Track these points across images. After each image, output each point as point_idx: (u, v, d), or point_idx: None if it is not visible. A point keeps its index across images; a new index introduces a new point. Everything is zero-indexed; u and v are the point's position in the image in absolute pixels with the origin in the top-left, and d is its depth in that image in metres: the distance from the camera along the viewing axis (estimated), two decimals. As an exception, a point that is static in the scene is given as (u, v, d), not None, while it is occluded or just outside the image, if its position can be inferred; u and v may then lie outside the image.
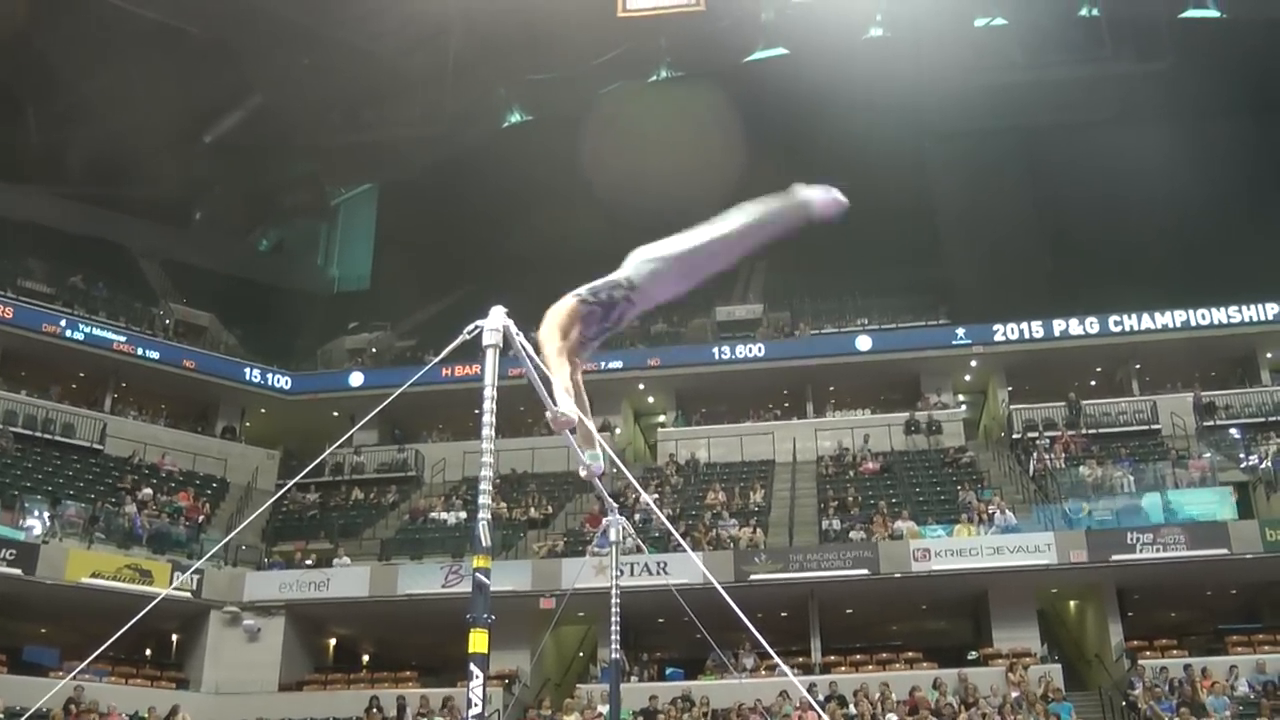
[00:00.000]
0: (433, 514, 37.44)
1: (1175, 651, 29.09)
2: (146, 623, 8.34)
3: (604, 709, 26.38)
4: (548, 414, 6.36)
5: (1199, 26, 46.29)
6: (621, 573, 11.61)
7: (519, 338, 5.91)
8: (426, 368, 8.69)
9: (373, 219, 58.67)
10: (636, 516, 31.95)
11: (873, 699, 26.82)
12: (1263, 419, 37.90)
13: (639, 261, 7.36)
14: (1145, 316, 41.11)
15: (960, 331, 42.58)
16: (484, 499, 5.48)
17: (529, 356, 6.20)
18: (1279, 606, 31.94)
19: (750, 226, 7.47)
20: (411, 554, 34.94)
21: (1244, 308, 40.58)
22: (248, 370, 43.95)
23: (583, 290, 7.10)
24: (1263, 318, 40.54)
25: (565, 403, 6.37)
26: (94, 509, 33.98)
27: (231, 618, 32.27)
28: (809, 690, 25.73)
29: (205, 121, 47.66)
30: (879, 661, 30.48)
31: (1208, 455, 34.78)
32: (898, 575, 29.92)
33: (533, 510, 37.14)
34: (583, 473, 7.28)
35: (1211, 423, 38.15)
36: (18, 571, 28.88)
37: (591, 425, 6.87)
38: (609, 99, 49.83)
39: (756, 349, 43.49)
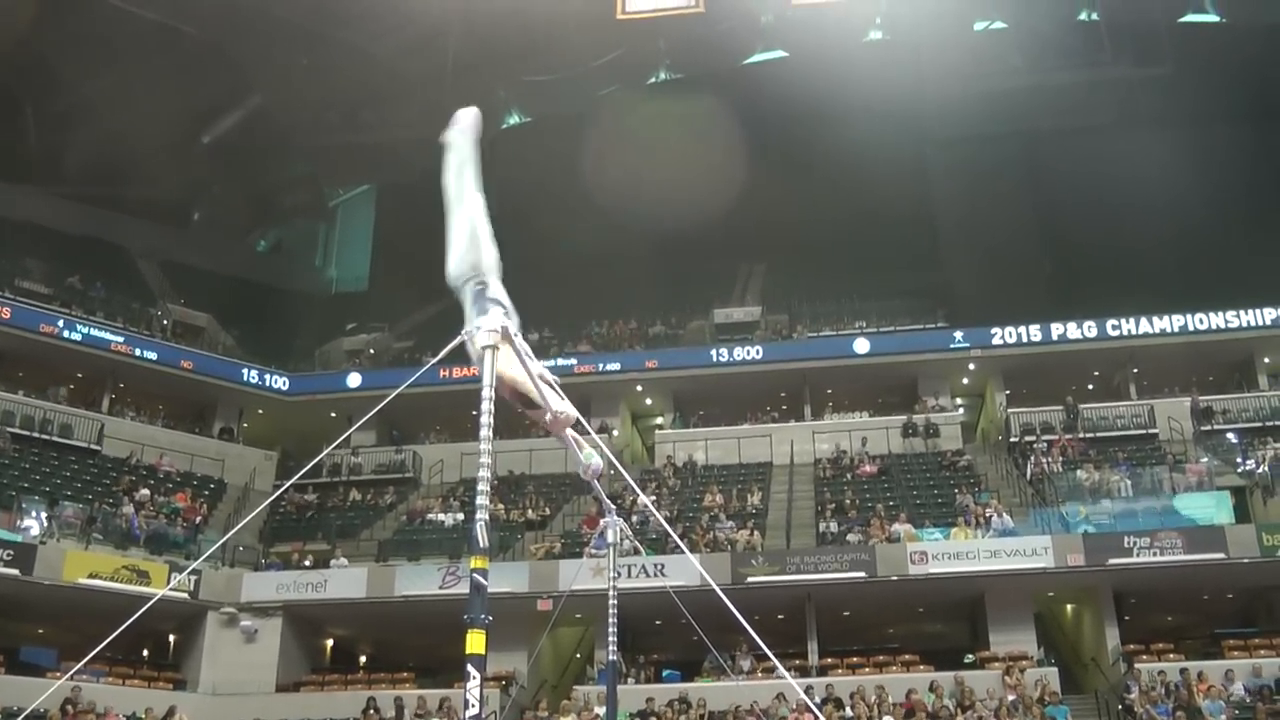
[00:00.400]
0: (430, 515, 37.45)
1: (1171, 655, 29.09)
2: (144, 623, 8.36)
3: (601, 710, 26.40)
4: (547, 416, 6.39)
5: (1198, 31, 46.38)
6: (619, 574, 11.63)
7: (517, 339, 5.92)
8: (424, 369, 8.67)
9: (371, 220, 58.63)
10: (634, 518, 31.98)
11: (869, 701, 26.82)
12: (1260, 424, 37.91)
13: (456, 268, 7.30)
14: (1143, 321, 41.13)
15: (958, 335, 42.57)
16: (482, 500, 5.49)
17: (522, 358, 6.20)
18: (1275, 611, 31.90)
19: (464, 161, 7.56)
20: (409, 555, 34.95)
21: (1241, 313, 40.57)
22: (245, 371, 43.94)
23: (476, 321, 6.98)
24: (1260, 323, 40.52)
25: (562, 403, 6.42)
26: (91, 509, 33.98)
27: (229, 618, 32.27)
28: (805, 692, 25.78)
29: (204, 122, 47.67)
30: (876, 664, 30.48)
31: (1205, 460, 34.84)
32: (895, 578, 29.93)
33: (530, 512, 37.16)
34: (583, 474, 7.31)
35: (1209, 427, 38.15)
36: (15, 572, 28.88)
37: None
38: (607, 101, 49.85)
39: (754, 351, 43.47)
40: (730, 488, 37.53)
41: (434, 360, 7.85)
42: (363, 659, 37.16)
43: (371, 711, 28.94)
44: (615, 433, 42.08)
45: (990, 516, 31.67)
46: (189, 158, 47.94)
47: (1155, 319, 41.08)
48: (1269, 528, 29.40)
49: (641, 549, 28.41)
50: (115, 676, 30.28)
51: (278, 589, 32.69)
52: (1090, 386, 43.48)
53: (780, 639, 30.45)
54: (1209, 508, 31.35)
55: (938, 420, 41.13)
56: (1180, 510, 31.35)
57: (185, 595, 31.04)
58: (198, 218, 53.62)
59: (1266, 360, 41.62)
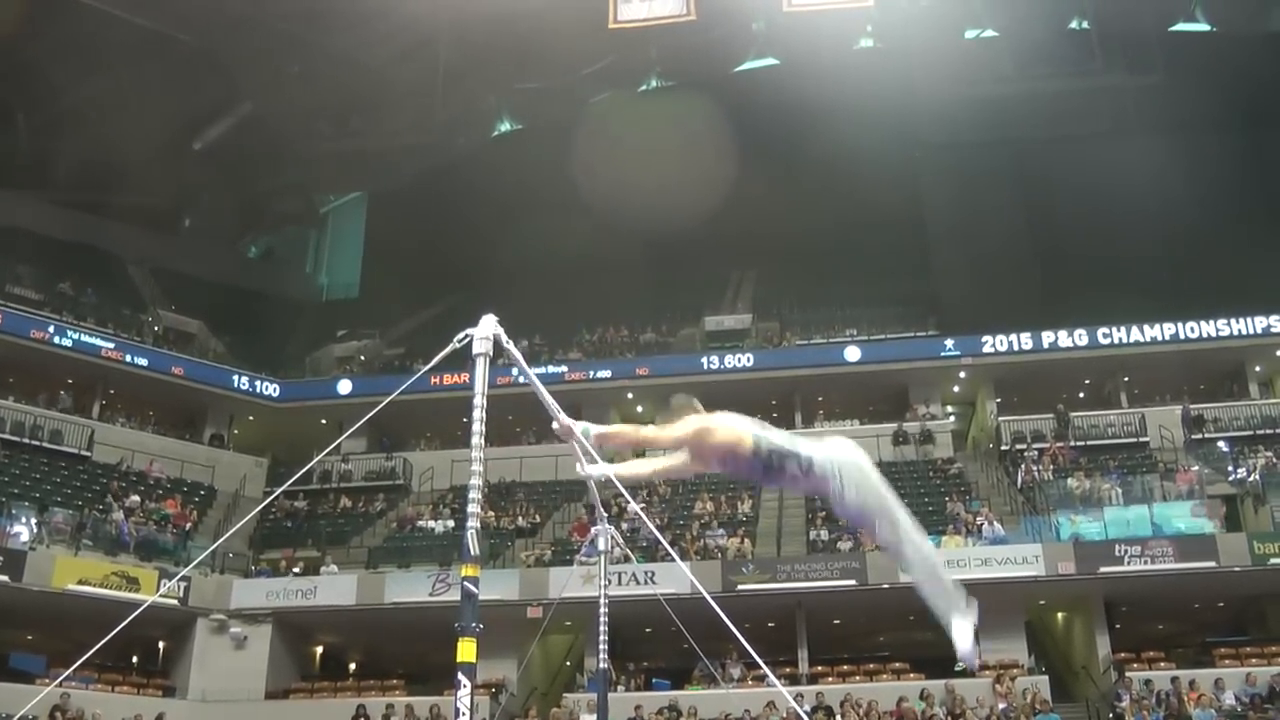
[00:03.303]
0: (420, 522, 37.36)
1: (1162, 664, 29.15)
2: (133, 630, 8.37)
3: (591, 718, 26.37)
4: (554, 425, 6.49)
5: (1189, 40, 46.41)
6: (609, 582, 11.62)
7: (509, 345, 5.92)
8: (415, 376, 8.73)
9: (362, 227, 58.66)
10: (625, 526, 31.95)
11: (860, 710, 26.82)
12: (1251, 432, 37.90)
13: (835, 454, 7.03)
14: (1134, 329, 41.10)
15: (949, 343, 42.53)
16: (472, 507, 5.49)
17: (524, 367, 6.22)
18: (1267, 619, 31.95)
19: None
20: (399, 562, 34.87)
21: (1233, 321, 40.57)
22: (236, 377, 43.80)
23: (763, 438, 6.86)
24: (1251, 331, 40.53)
25: (565, 417, 6.54)
26: (81, 516, 33.88)
27: (218, 625, 32.22)
28: (796, 700, 25.76)
29: (195, 129, 47.63)
30: (866, 672, 30.53)
31: (1196, 468, 34.85)
32: (885, 586, 29.83)
33: (521, 519, 37.10)
34: (579, 470, 7.35)
35: (1200, 435, 38.14)
36: (5, 578, 28.89)
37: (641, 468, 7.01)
38: (599, 108, 49.84)
39: (745, 359, 43.38)
40: (721, 495, 37.50)
41: (425, 368, 7.85)
42: (352, 666, 37.13)
43: (361, 719, 28.91)
44: (606, 440, 42.01)
45: (981, 525, 31.67)
46: (180, 164, 47.89)
47: (1146, 327, 41.07)
48: (1260, 536, 29.44)
49: (632, 556, 28.36)
50: (104, 683, 30.26)
51: (267, 596, 32.64)
52: (1081, 395, 43.47)
53: (771, 647, 30.50)
54: (1200, 518, 31.33)
55: (929, 428, 41.10)
56: (1171, 519, 31.31)
57: (175, 602, 30.97)
58: (189, 224, 53.61)
59: (1258, 368, 41.69)
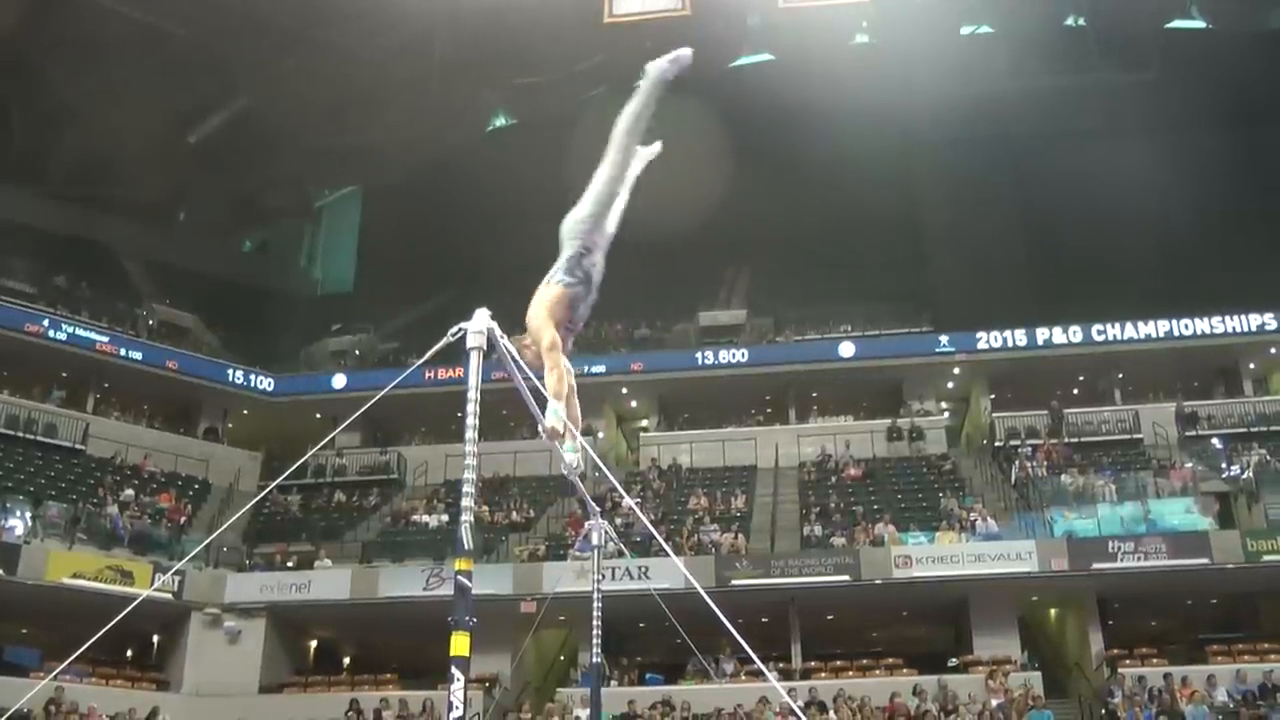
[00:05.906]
0: (414, 517, 37.36)
1: (1155, 660, 29.14)
2: (127, 624, 8.34)
3: (583, 713, 26.40)
4: (540, 427, 6.52)
5: (1184, 37, 46.42)
6: (603, 577, 11.63)
7: (503, 340, 5.93)
8: (409, 370, 8.77)
9: (357, 222, 58.59)
10: (618, 521, 31.92)
11: (852, 705, 26.83)
12: (1244, 429, 37.91)
13: (572, 227, 7.78)
14: (1128, 326, 41.10)
15: (944, 339, 42.52)
16: (466, 502, 5.49)
17: (514, 361, 6.23)
18: (1259, 616, 32.00)
19: (629, 134, 7.64)
20: (393, 557, 34.82)
21: (1227, 318, 40.58)
22: (230, 371, 43.78)
23: (561, 275, 7.11)
24: (1245, 328, 40.53)
25: (551, 417, 6.52)
26: (75, 509, 33.87)
27: (212, 619, 32.18)
28: (788, 695, 25.76)
29: (189, 122, 47.50)
30: (859, 668, 30.52)
31: (1189, 465, 34.88)
32: (879, 582, 29.94)
33: (514, 514, 37.09)
34: (565, 468, 7.40)
35: (1194, 433, 38.18)
36: (-1, 572, 28.87)
37: (577, 410, 7.02)
38: (594, 103, 49.73)
39: (739, 354, 43.36)
40: (715, 490, 37.51)
41: (419, 362, 7.86)
42: (346, 660, 37.12)
43: (354, 713, 28.88)
44: (600, 435, 42.00)
45: (975, 521, 31.70)
46: (175, 158, 47.81)
47: (1140, 324, 41.07)
48: (1253, 533, 29.52)
49: (626, 551, 28.35)
50: (99, 677, 30.21)
51: (261, 590, 32.62)
52: (1075, 391, 43.42)
53: (764, 642, 30.46)
54: (1193, 512, 31.40)
55: (923, 424, 41.08)
56: (1165, 515, 31.36)
57: (169, 596, 30.95)
58: (183, 218, 53.58)
59: (1251, 366, 41.73)
